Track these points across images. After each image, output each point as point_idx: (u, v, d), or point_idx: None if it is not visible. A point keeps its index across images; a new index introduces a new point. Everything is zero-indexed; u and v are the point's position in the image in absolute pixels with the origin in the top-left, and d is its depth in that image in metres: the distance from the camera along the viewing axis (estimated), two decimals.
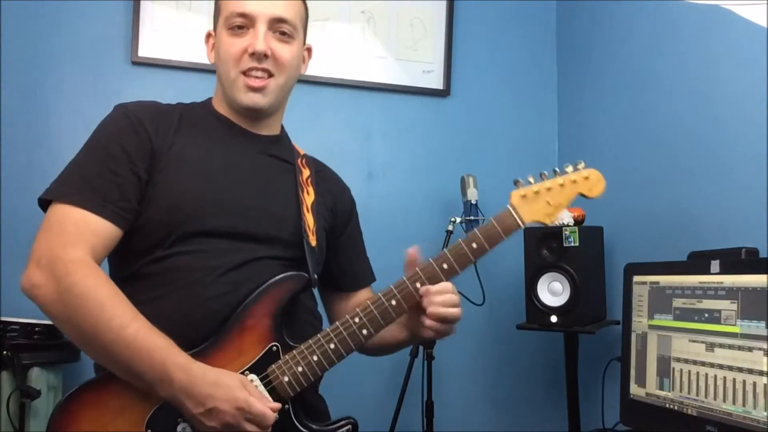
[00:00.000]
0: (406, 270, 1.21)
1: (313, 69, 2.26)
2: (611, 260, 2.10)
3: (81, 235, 1.09)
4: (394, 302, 1.18)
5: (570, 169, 1.23)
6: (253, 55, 1.21)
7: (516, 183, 1.23)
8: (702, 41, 1.85)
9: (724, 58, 1.77)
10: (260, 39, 1.21)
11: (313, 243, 1.27)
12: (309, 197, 1.31)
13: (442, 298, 1.18)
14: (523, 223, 1.21)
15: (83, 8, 2.08)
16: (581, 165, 1.24)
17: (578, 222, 2.03)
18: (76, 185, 1.13)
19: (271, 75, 1.24)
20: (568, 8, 2.51)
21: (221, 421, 1.04)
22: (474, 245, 1.19)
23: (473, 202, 2.16)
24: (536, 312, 2.00)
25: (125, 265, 1.18)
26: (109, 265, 1.22)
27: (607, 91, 2.26)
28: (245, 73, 1.22)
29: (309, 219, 1.28)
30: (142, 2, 2.10)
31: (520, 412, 2.40)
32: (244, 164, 1.26)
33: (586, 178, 1.23)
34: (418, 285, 1.19)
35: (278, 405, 1.10)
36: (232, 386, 1.06)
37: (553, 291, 1.99)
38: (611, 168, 2.18)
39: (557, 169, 1.23)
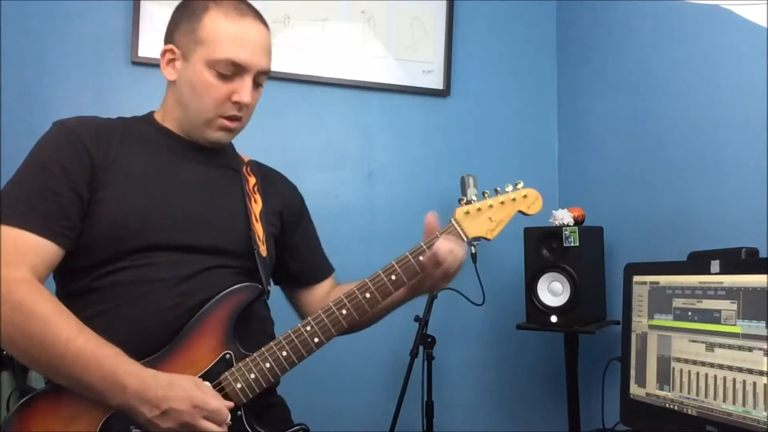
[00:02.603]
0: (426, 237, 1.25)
1: (313, 69, 2.31)
2: (611, 260, 2.10)
3: (22, 255, 1.08)
4: (344, 312, 1.20)
5: (510, 188, 1.31)
6: (236, 103, 1.22)
7: (460, 201, 1.30)
8: (702, 41, 1.85)
9: (724, 58, 1.77)
10: (248, 92, 1.22)
11: (264, 253, 1.28)
12: (257, 206, 1.32)
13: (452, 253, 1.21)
14: (467, 237, 1.27)
15: (83, 8, 2.08)
16: (520, 185, 1.32)
17: (578, 222, 2.03)
18: (15, 205, 1.11)
19: (239, 119, 1.25)
20: (568, 8, 2.51)
21: (177, 421, 1.05)
22: (421, 258, 1.23)
23: None
24: (536, 312, 2.00)
25: (72, 281, 1.17)
26: (56, 282, 1.21)
27: (607, 91, 2.26)
28: (224, 116, 1.23)
29: (258, 229, 1.29)
30: (142, 2, 2.09)
31: (520, 412, 2.40)
32: (189, 176, 1.25)
33: (525, 196, 1.31)
34: (368, 296, 1.21)
35: (231, 403, 1.12)
36: (186, 386, 1.07)
37: (553, 291, 1.99)
38: (611, 168, 2.20)
39: (498, 189, 1.30)
